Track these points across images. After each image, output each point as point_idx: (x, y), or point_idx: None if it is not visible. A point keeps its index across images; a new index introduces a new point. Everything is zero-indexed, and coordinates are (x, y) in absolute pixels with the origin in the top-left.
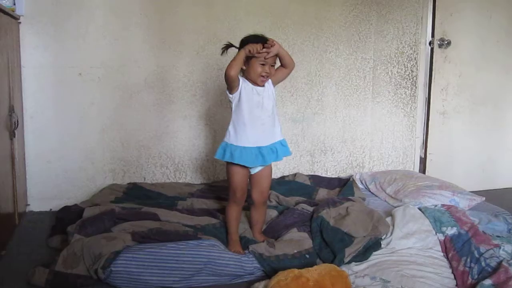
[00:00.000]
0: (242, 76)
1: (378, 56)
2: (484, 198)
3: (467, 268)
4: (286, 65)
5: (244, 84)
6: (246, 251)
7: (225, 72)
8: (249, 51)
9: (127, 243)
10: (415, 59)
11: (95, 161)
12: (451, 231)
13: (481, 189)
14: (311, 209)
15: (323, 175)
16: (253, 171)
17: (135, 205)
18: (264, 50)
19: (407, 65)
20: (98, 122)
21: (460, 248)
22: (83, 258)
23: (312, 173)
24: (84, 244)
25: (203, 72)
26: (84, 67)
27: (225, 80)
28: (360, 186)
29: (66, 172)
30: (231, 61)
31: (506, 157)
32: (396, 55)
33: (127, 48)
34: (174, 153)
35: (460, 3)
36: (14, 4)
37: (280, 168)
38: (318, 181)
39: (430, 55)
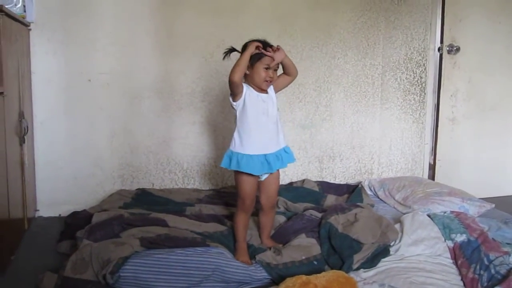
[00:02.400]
0: (245, 83)
1: (386, 62)
2: (494, 205)
3: (476, 276)
4: (289, 73)
5: (248, 91)
6: (253, 261)
7: (229, 77)
8: (257, 47)
9: (135, 248)
10: (424, 65)
11: (104, 167)
12: (460, 238)
13: (491, 196)
14: (319, 215)
15: (332, 181)
16: (262, 178)
17: (143, 210)
18: (270, 53)
19: (416, 71)
20: (107, 128)
21: (469, 255)
22: (92, 264)
23: (321, 180)
24: (93, 250)
25: (211, 78)
26: (93, 73)
27: (229, 86)
28: (369, 192)
29: (75, 178)
30: (234, 66)
31: None
32: (405, 61)
33: (136, 55)
34: (183, 159)
35: (469, 9)
36: (25, 11)
37: (289, 174)
38: (326, 187)
39: (439, 61)
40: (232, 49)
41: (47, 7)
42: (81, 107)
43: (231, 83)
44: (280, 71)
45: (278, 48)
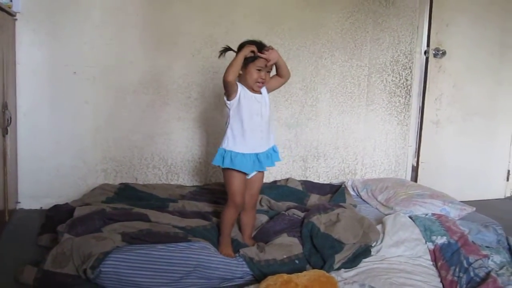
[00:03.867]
0: (239, 83)
1: (373, 64)
2: (474, 208)
3: (455, 278)
4: (282, 75)
5: (243, 92)
6: (237, 255)
7: (223, 77)
8: (252, 51)
9: (117, 243)
10: (410, 68)
11: (87, 161)
12: (441, 240)
13: (472, 199)
14: (302, 214)
15: (315, 181)
16: (249, 176)
17: (126, 205)
18: (265, 55)
19: (401, 73)
20: (92, 122)
21: (449, 258)
22: (73, 258)
23: (304, 179)
24: (74, 244)
25: (198, 75)
26: (79, 66)
27: (224, 86)
28: (352, 193)
29: (58, 171)
30: (228, 66)
31: (497, 168)
32: (391, 64)
33: (123, 49)
34: (167, 155)
35: (456, 14)
36: (11, 1)
37: (273, 173)
38: (310, 186)
39: (425, 64)
40: (228, 48)
41: None
42: (65, 99)
43: (225, 83)
44: (273, 72)
45: (271, 49)
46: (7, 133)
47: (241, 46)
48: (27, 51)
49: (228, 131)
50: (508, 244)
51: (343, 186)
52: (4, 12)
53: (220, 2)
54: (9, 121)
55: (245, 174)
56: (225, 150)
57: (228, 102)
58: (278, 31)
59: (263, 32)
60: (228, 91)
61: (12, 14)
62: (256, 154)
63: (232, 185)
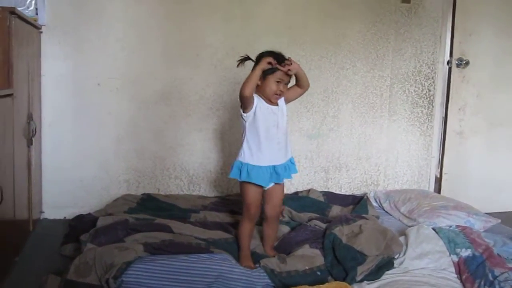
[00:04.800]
0: (256, 94)
1: (395, 74)
2: (499, 220)
3: None
4: (302, 86)
5: (259, 103)
6: (257, 266)
7: (240, 91)
8: (270, 63)
9: (139, 254)
10: (432, 78)
11: (110, 171)
12: (465, 252)
13: (497, 211)
14: (324, 225)
15: (337, 192)
16: (267, 187)
17: (148, 216)
18: (284, 68)
19: (424, 83)
20: (115, 132)
21: (474, 271)
22: (95, 267)
23: (326, 190)
24: (97, 254)
25: (219, 86)
26: (102, 78)
27: (240, 99)
28: (374, 204)
29: (81, 181)
30: (246, 80)
31: None
32: (414, 74)
33: (145, 60)
34: (189, 166)
35: (479, 24)
36: (37, 14)
37: (294, 184)
38: (332, 197)
39: (448, 74)
40: (247, 58)
41: (59, 11)
42: (89, 110)
43: (242, 97)
44: (292, 82)
45: (291, 62)
46: (31, 144)
47: (260, 57)
48: (52, 63)
49: (244, 144)
50: None
51: (365, 197)
52: (30, 25)
53: (241, 13)
54: (34, 132)
55: (262, 186)
56: (241, 163)
57: (244, 114)
58: (299, 42)
59: (284, 43)
60: (245, 104)
61: (37, 27)
62: (274, 166)
63: (248, 197)
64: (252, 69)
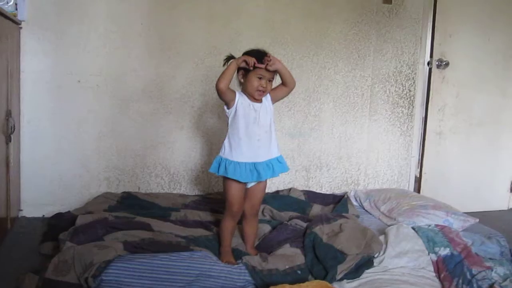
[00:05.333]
0: (241, 91)
1: (376, 74)
2: (478, 220)
3: None
4: (286, 83)
5: (241, 99)
6: (239, 262)
7: (215, 85)
8: (245, 62)
9: (119, 252)
10: (413, 78)
11: (90, 169)
12: (444, 251)
13: (475, 211)
14: (304, 224)
15: (318, 191)
16: (249, 185)
17: (128, 214)
18: (262, 65)
19: (405, 84)
20: (95, 130)
21: (452, 269)
22: (74, 266)
23: (307, 189)
24: (76, 252)
25: (201, 84)
26: (83, 75)
27: (217, 94)
28: (355, 203)
29: (61, 179)
30: (221, 74)
31: (501, 179)
32: (395, 74)
33: (127, 57)
34: (170, 164)
35: (459, 25)
36: (16, 9)
37: (275, 183)
38: (312, 197)
39: (428, 75)
40: (231, 57)
41: (39, 6)
42: (69, 107)
43: (217, 90)
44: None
45: (270, 58)
46: (10, 141)
47: (245, 55)
48: (31, 60)
49: (226, 139)
50: None
51: (345, 196)
52: (9, 20)
53: (224, 12)
54: (12, 128)
55: (243, 183)
56: (221, 158)
57: (227, 110)
58: (281, 41)
59: (266, 42)
60: (223, 99)
61: (17, 23)
62: (254, 164)
63: (229, 194)
64: (228, 64)
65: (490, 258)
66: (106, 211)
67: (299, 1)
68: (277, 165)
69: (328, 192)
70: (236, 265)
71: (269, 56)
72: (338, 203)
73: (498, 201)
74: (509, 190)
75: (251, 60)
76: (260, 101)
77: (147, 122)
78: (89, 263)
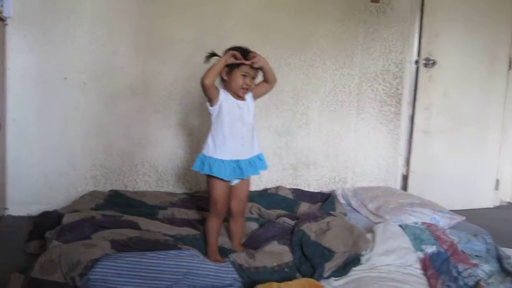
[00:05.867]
0: (224, 88)
1: (364, 73)
2: (464, 218)
3: (445, 287)
4: (268, 80)
5: (225, 97)
6: (226, 259)
7: (200, 80)
8: (234, 56)
9: (106, 251)
10: (400, 77)
11: (77, 167)
12: (430, 249)
13: (462, 208)
14: (292, 222)
15: (306, 189)
16: (232, 183)
17: (115, 212)
18: (248, 61)
19: (392, 82)
20: (81, 128)
21: (438, 267)
22: (60, 265)
23: (295, 187)
24: (62, 251)
25: (189, 82)
26: (69, 72)
27: (202, 90)
28: (342, 201)
29: (47, 177)
30: (208, 69)
31: (487, 177)
32: (382, 73)
33: (114, 55)
34: (157, 162)
35: (446, 25)
36: (2, 6)
37: (263, 181)
38: (300, 195)
39: (415, 74)
40: (214, 54)
41: (25, 3)
42: (55, 105)
43: (202, 86)
44: (260, 78)
45: (255, 55)
46: None
47: (227, 52)
48: (17, 57)
49: (209, 137)
50: (497, 253)
51: (333, 194)
52: None
53: (213, 10)
54: None
55: (227, 181)
56: (204, 156)
57: (210, 108)
58: (270, 39)
59: (255, 40)
60: (208, 95)
61: (2, 19)
62: (237, 161)
63: (214, 192)
64: (217, 60)
65: (476, 256)
66: (93, 209)
67: (288, 0)
68: (258, 163)
69: (315, 190)
70: (223, 263)
71: (254, 53)
72: (325, 201)
73: (484, 199)
74: (494, 188)
75: (239, 55)
76: (243, 98)
77: (134, 120)
78: (76, 262)
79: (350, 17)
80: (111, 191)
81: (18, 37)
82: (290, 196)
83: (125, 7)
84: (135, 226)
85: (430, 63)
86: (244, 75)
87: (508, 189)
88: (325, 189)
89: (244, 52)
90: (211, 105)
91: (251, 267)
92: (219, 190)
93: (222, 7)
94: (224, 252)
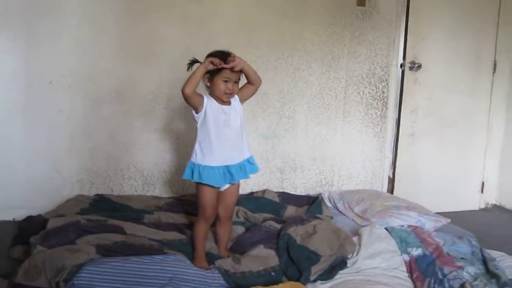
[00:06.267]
0: (208, 95)
1: (350, 76)
2: (449, 220)
3: None
4: (252, 82)
5: (209, 103)
6: (212, 266)
7: (181, 90)
8: (212, 63)
9: (91, 256)
10: (386, 80)
11: (62, 171)
12: (416, 252)
13: (447, 211)
14: (278, 226)
15: (292, 192)
16: (222, 188)
17: (101, 217)
18: (228, 65)
19: (378, 86)
20: (67, 131)
21: (424, 269)
22: (45, 270)
23: (281, 190)
24: (47, 256)
25: (175, 85)
26: (55, 75)
27: (184, 99)
28: (329, 204)
29: (32, 181)
30: (188, 78)
31: (472, 179)
32: (368, 76)
33: (100, 58)
34: (143, 166)
35: (431, 28)
36: None
37: (250, 184)
38: (287, 198)
39: (401, 77)
40: (195, 61)
41: (10, 5)
42: (40, 108)
43: (183, 95)
44: (244, 80)
45: (234, 58)
46: None
47: (208, 57)
48: (2, 59)
49: (196, 145)
50: (482, 255)
51: (319, 197)
52: None
53: (199, 13)
54: None
55: (217, 187)
56: (193, 164)
57: (196, 115)
58: (256, 42)
59: (241, 43)
60: (191, 104)
61: None
62: (227, 167)
63: (203, 198)
64: (197, 68)
65: (462, 258)
66: (78, 214)
67: (274, 3)
68: (248, 166)
69: (302, 194)
70: (209, 270)
71: (233, 57)
72: (312, 204)
73: (469, 202)
74: (479, 191)
75: (217, 61)
76: (229, 103)
77: (120, 123)
78: (61, 267)
79: (337, 21)
80: (96, 195)
81: (3, 40)
82: (277, 199)
83: (111, 10)
84: (120, 230)
85: (415, 66)
86: (225, 81)
87: (493, 191)
88: (311, 192)
89: (224, 56)
90: (196, 112)
91: (237, 272)
92: (208, 197)
93: (208, 10)
94: (210, 258)
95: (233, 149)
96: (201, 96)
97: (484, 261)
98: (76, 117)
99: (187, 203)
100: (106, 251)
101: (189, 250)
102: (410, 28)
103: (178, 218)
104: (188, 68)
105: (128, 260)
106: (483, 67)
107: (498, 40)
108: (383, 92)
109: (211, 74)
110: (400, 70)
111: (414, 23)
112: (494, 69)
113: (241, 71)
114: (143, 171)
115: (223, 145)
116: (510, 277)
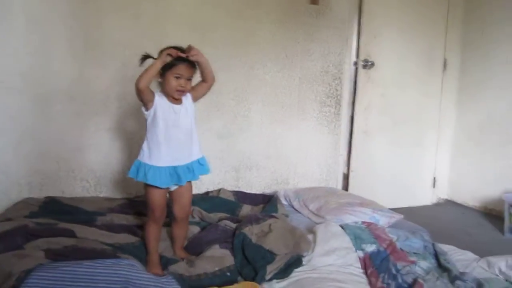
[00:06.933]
0: (160, 91)
1: (304, 74)
2: (402, 216)
3: (385, 285)
4: (206, 78)
5: (160, 101)
6: (165, 272)
7: (135, 83)
8: (170, 55)
9: (40, 261)
10: (339, 78)
11: (10, 174)
12: (370, 248)
13: (401, 206)
14: (234, 225)
15: (248, 191)
16: (172, 188)
17: (51, 220)
18: (184, 54)
19: (332, 83)
20: (15, 134)
21: (378, 265)
22: None
23: (237, 189)
24: None
25: (128, 85)
26: (2, 77)
27: (136, 94)
28: (284, 202)
29: None
30: (143, 72)
31: (424, 175)
32: (322, 74)
33: (49, 58)
34: (95, 166)
35: (383, 27)
36: None
37: (205, 183)
38: (242, 197)
39: (354, 75)
40: (148, 56)
41: None
42: None
43: (136, 89)
44: (198, 79)
45: (191, 48)
46: None
47: (161, 53)
48: None
49: (144, 143)
50: (434, 250)
51: (275, 196)
52: None
53: (151, 11)
54: None
55: (165, 188)
56: (140, 163)
57: (145, 112)
58: (209, 41)
59: (195, 41)
60: (142, 99)
61: None
62: (174, 168)
63: (151, 199)
64: (153, 62)
65: (414, 253)
66: (26, 217)
67: (227, 1)
68: (197, 168)
69: (258, 192)
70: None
71: (190, 46)
72: (267, 203)
73: (422, 197)
74: (432, 186)
75: (174, 52)
76: (180, 101)
77: (71, 124)
78: (8, 274)
79: (291, 19)
80: (46, 197)
81: None
82: (232, 198)
83: (60, 10)
84: (71, 234)
85: (368, 64)
86: (177, 77)
87: (444, 186)
88: (267, 191)
89: (181, 51)
90: (146, 109)
91: (192, 275)
92: (156, 198)
93: (160, 8)
94: (164, 261)
95: (181, 149)
96: (153, 93)
97: (436, 255)
98: (25, 118)
99: (140, 204)
100: (55, 256)
101: (143, 252)
102: (363, 26)
103: (131, 220)
104: (141, 64)
105: (79, 264)
106: (434, 65)
107: (447, 37)
108: (336, 90)
109: (163, 70)
110: (354, 68)
111: (367, 22)
112: (444, 66)
113: (195, 67)
114: (96, 172)
115: (171, 145)
116: (460, 271)
